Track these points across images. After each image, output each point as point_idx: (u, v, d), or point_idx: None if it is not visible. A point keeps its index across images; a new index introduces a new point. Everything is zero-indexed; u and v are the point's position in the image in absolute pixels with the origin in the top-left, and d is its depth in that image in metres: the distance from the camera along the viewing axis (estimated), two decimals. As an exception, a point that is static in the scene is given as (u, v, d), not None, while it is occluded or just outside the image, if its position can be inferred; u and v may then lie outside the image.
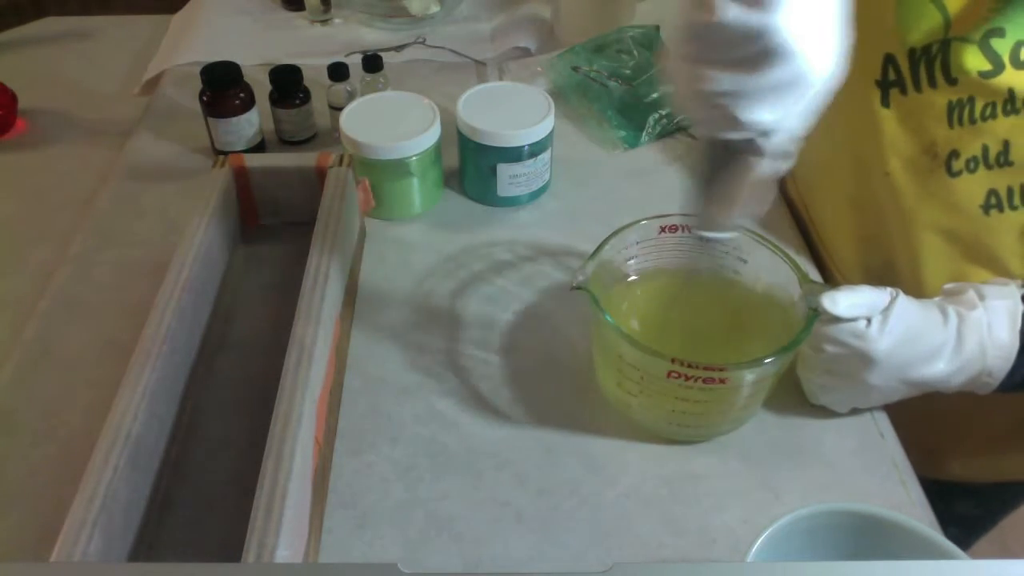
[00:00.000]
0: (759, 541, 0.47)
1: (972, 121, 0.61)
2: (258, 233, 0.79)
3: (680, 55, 0.45)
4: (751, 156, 0.47)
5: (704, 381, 0.56)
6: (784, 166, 0.48)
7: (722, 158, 0.48)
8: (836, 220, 0.77)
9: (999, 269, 0.65)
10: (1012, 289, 0.59)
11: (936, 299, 0.60)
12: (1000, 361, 0.57)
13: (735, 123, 0.45)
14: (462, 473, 0.62)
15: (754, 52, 0.42)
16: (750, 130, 0.45)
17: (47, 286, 0.76)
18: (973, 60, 0.59)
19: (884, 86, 0.64)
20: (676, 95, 0.47)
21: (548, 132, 0.81)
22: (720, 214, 0.50)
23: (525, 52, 1.05)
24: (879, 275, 0.72)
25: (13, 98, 0.95)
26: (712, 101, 0.44)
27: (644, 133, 0.91)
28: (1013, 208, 0.63)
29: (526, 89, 0.85)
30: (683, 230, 0.66)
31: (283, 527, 0.48)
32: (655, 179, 0.88)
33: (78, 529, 0.48)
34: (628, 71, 0.96)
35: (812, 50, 0.42)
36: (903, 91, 0.63)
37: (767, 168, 0.47)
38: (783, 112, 0.44)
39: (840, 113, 0.68)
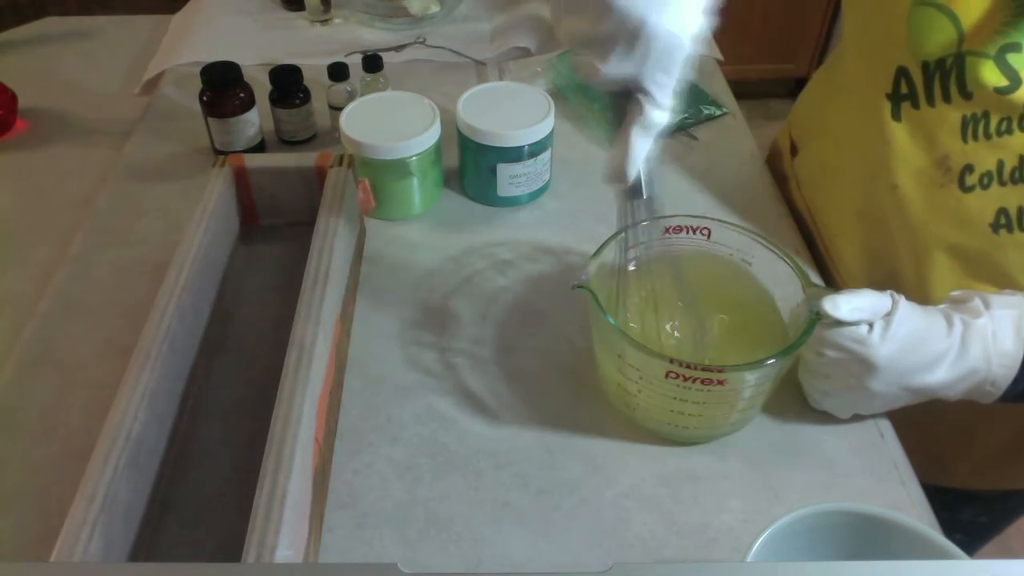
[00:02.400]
0: (759, 541, 0.47)
1: (987, 136, 0.60)
2: (258, 233, 0.79)
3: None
4: (637, 104, 0.52)
5: (702, 382, 0.56)
6: (665, 117, 0.52)
7: (619, 107, 0.53)
8: (842, 231, 0.76)
9: (1007, 287, 0.64)
10: (1019, 299, 0.58)
11: (941, 306, 0.59)
12: (1004, 370, 0.56)
13: (596, 71, 0.49)
14: (462, 473, 0.62)
15: (594, 5, 0.47)
16: (610, 79, 0.50)
17: (47, 286, 0.76)
18: (990, 75, 0.58)
19: (895, 99, 0.63)
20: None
21: (548, 132, 0.81)
22: (617, 159, 0.54)
23: (525, 52, 1.05)
24: (885, 287, 0.71)
25: (13, 98, 0.96)
26: (576, 49, 0.51)
27: (644, 133, 0.91)
28: (1023, 230, 0.62)
29: (526, 89, 0.85)
30: (687, 231, 0.66)
31: (283, 527, 0.48)
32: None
33: (78, 529, 0.48)
34: (628, 71, 0.96)
35: (642, 4, 0.46)
36: (915, 105, 0.63)
37: (649, 117, 0.52)
38: (634, 65, 0.49)
39: (849, 125, 0.68)
